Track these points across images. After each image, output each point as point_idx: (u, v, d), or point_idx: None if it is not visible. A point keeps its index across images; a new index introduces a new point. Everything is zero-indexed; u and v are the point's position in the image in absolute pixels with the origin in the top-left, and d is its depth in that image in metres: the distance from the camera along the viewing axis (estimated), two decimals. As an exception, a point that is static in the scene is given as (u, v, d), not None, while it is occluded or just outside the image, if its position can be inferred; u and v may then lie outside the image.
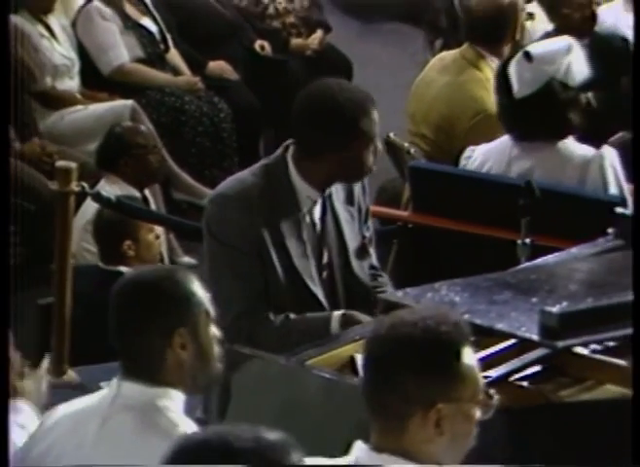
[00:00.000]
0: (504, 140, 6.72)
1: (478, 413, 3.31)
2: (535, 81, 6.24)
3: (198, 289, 3.89)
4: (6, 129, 4.86)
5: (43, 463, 3.87)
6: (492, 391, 3.44)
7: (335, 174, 4.98)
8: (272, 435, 2.66)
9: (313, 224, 5.06)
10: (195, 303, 3.86)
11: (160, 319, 3.78)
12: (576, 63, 6.28)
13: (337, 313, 4.88)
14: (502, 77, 6.69)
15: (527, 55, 6.24)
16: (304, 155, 4.95)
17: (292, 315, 4.93)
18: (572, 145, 6.52)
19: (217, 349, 3.94)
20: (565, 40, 6.54)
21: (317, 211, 5.05)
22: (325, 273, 5.08)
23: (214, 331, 3.92)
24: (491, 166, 6.60)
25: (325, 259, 5.09)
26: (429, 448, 3.22)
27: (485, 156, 6.69)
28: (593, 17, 8.33)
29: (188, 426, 3.71)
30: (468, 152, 6.74)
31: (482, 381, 3.39)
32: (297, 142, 5.01)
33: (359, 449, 3.28)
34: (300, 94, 5.16)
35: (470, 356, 3.33)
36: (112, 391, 3.83)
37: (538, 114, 6.42)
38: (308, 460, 3.12)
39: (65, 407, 3.96)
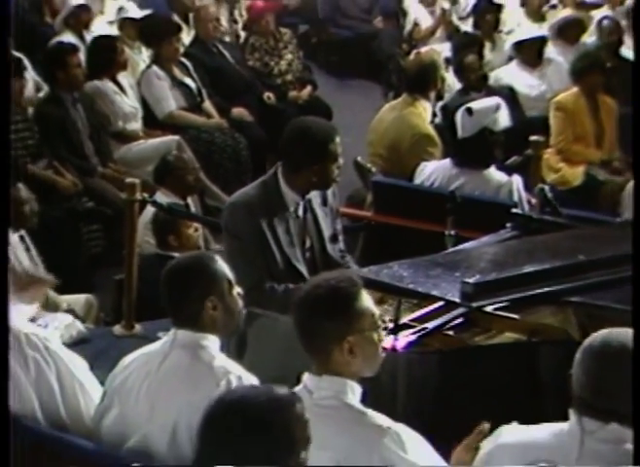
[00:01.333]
0: (447, 162, 6.71)
1: (378, 337, 3.44)
2: (473, 128, 6.27)
3: (222, 266, 3.87)
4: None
5: (122, 389, 3.81)
6: (386, 318, 3.78)
7: (310, 183, 4.95)
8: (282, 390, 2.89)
9: (298, 219, 5.01)
10: (220, 276, 3.84)
11: (196, 290, 3.77)
12: (501, 116, 6.25)
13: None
14: (448, 119, 6.65)
15: (469, 110, 6.26)
16: (289, 170, 4.97)
17: (291, 285, 4.84)
18: (493, 172, 6.54)
19: (239, 306, 3.93)
20: (495, 100, 6.51)
21: (300, 210, 5.03)
22: (308, 254, 5.07)
23: (236, 293, 3.89)
24: (436, 179, 6.56)
25: (307, 244, 5.07)
26: (350, 367, 3.36)
27: (433, 171, 6.67)
28: (485, 78, 8.27)
29: (221, 359, 3.77)
30: (421, 167, 6.73)
31: (378, 314, 3.50)
32: (283, 161, 5.00)
33: (306, 376, 3.43)
34: (286, 127, 5.17)
35: (363, 299, 3.44)
36: (170, 337, 3.84)
37: (472, 150, 6.40)
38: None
39: (137, 351, 3.93)
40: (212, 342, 3.81)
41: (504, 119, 6.44)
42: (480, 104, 6.49)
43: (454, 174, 6.48)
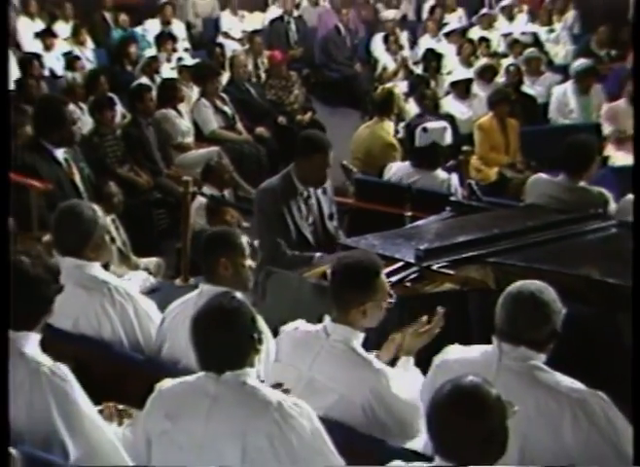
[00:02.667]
0: (406, 164, 6.54)
1: (385, 304, 3.35)
2: (426, 141, 6.20)
3: (237, 240, 3.67)
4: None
5: (170, 327, 3.70)
6: (392, 292, 3.44)
7: (307, 177, 4.87)
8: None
9: (305, 203, 4.90)
10: (233, 246, 3.65)
11: (214, 252, 3.61)
12: (447, 135, 6.21)
13: (317, 254, 4.76)
14: (409, 134, 6.52)
15: (425, 129, 6.19)
16: (299, 168, 4.85)
17: (297, 252, 4.77)
18: (438, 172, 6.38)
19: (246, 272, 3.70)
20: (443, 123, 6.50)
21: (307, 196, 4.91)
22: (312, 228, 4.93)
23: (247, 263, 3.68)
24: (399, 177, 6.41)
25: (311, 220, 4.93)
26: (359, 323, 3.31)
27: (396, 171, 6.54)
28: (437, 106, 8.27)
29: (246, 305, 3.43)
30: (388, 167, 6.56)
31: (388, 288, 3.41)
32: (296, 161, 4.89)
33: (327, 321, 3.34)
34: (298, 138, 5.08)
35: (381, 276, 3.38)
36: (199, 289, 3.67)
37: (425, 156, 6.29)
38: (300, 323, 3.47)
39: (179, 299, 3.81)
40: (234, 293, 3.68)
41: (449, 137, 6.36)
42: (432, 125, 6.40)
43: (411, 173, 6.37)
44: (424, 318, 3.46)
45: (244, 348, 2.81)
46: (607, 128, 7.60)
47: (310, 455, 2.70)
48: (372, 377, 3.19)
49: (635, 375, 2.38)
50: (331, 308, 3.34)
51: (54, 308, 3.11)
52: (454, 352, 3.15)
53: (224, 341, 2.77)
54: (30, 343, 2.97)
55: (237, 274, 3.64)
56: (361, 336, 3.32)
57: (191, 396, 2.79)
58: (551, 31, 11.14)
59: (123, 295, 3.77)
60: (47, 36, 9.56)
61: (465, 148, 7.38)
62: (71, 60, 8.97)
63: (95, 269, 3.81)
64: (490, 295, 3.12)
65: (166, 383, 2.92)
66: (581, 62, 8.67)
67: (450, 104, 8.72)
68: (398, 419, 3.21)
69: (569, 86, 8.37)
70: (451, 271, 4.26)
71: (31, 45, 9.56)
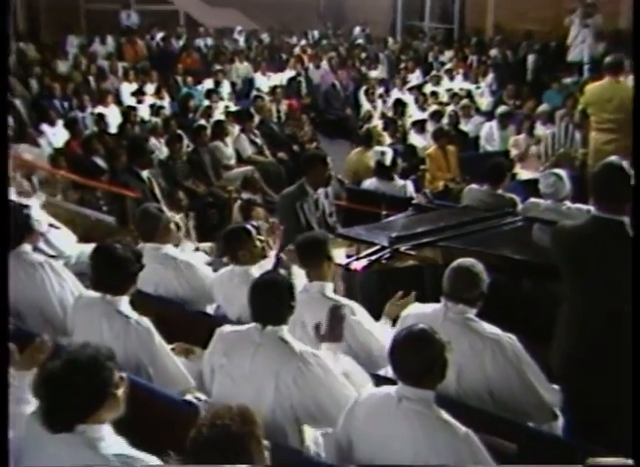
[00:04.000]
0: (374, 179, 6.44)
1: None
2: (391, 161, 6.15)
3: (249, 232, 3.51)
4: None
5: (220, 288, 3.57)
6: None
7: (314, 182, 4.72)
8: None
9: (314, 203, 4.74)
10: (245, 240, 3.50)
11: (238, 240, 3.49)
12: (387, 157, 6.26)
13: None
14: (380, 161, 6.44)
15: (381, 153, 6.13)
16: (309, 178, 4.71)
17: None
18: (399, 180, 6.34)
19: (259, 251, 3.53)
20: (386, 149, 6.49)
21: (315, 198, 4.74)
22: (317, 221, 4.75)
23: (258, 243, 3.53)
24: (374, 186, 6.32)
25: (317, 215, 4.77)
26: (326, 276, 3.22)
27: (369, 183, 6.43)
28: (405, 139, 8.22)
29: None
30: (367, 181, 6.47)
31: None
32: (307, 173, 4.76)
33: (305, 283, 3.23)
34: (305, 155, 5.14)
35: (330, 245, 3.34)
36: (230, 267, 3.55)
37: (384, 172, 6.22)
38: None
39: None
40: (257, 268, 3.47)
41: (388, 159, 6.27)
42: (377, 149, 6.50)
43: (378, 184, 6.33)
44: (400, 293, 3.33)
45: (283, 311, 2.74)
46: (513, 153, 7.54)
47: (323, 390, 2.64)
48: (349, 315, 3.04)
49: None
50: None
51: (140, 278, 3.10)
52: (415, 308, 3.12)
53: (269, 304, 2.72)
54: (123, 304, 2.98)
55: (252, 256, 3.51)
56: (331, 286, 3.21)
57: (242, 341, 2.73)
58: (478, 87, 11.03)
59: (187, 266, 3.73)
60: (139, 94, 9.60)
61: (422, 167, 7.39)
62: (155, 110, 8.96)
63: (167, 248, 3.75)
64: (439, 268, 3.09)
65: (225, 328, 2.86)
66: (502, 108, 8.66)
67: (412, 137, 8.65)
68: (368, 352, 3.11)
69: (494, 124, 8.29)
70: (413, 252, 4.25)
71: (128, 100, 9.61)
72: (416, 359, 2.30)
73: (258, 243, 3.54)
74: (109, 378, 2.06)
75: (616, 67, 5.60)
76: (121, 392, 2.10)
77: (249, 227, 3.57)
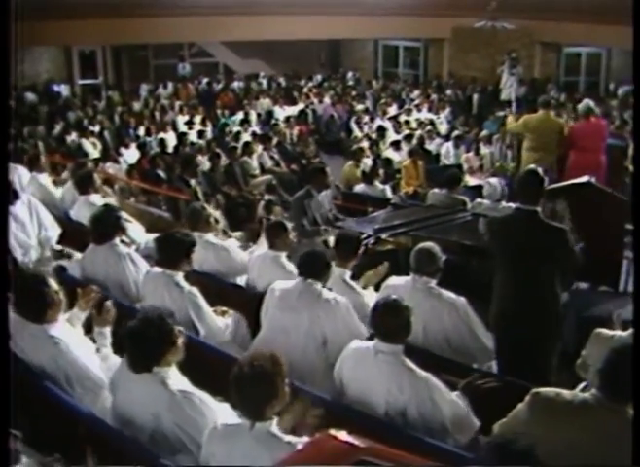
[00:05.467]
0: (363, 185, 6.37)
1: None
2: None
3: (286, 225, 3.42)
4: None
5: (250, 265, 3.44)
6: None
7: (317, 187, 4.57)
8: None
9: (318, 202, 4.58)
10: (281, 228, 3.38)
11: (276, 230, 3.36)
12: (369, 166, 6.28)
13: (322, 227, 4.51)
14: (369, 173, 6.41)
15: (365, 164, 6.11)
16: (314, 183, 4.56)
17: (312, 228, 4.49)
18: (380, 185, 6.28)
19: (288, 243, 3.36)
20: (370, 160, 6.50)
21: (318, 198, 4.57)
22: (320, 216, 4.56)
23: (290, 236, 3.40)
24: (363, 190, 6.24)
25: (320, 211, 4.59)
26: (348, 266, 3.11)
27: (359, 188, 6.37)
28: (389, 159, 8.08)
29: (290, 266, 3.22)
30: (357, 186, 6.39)
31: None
32: (312, 179, 4.61)
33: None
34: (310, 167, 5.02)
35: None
36: (265, 251, 3.37)
37: (368, 177, 6.20)
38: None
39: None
40: (282, 257, 3.35)
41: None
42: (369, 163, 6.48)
43: (366, 189, 6.27)
44: (380, 267, 3.26)
45: (323, 276, 2.76)
46: (464, 166, 7.59)
47: (346, 326, 2.68)
48: (348, 291, 3.01)
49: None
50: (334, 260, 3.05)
51: (192, 259, 3.04)
52: (392, 281, 3.05)
53: (313, 269, 2.73)
54: (179, 277, 2.97)
55: (285, 244, 3.41)
56: (349, 272, 3.15)
57: (289, 296, 2.74)
58: (438, 118, 11.05)
59: (222, 249, 3.66)
60: (189, 124, 9.70)
61: (397, 176, 7.37)
62: (201, 135, 9.00)
63: (208, 236, 3.67)
64: (410, 251, 3.10)
65: (278, 284, 2.82)
66: (456, 133, 8.79)
67: (390, 153, 8.57)
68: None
69: (450, 144, 8.38)
70: (391, 239, 4.21)
71: (182, 128, 9.64)
72: (392, 322, 2.30)
73: (291, 236, 3.46)
74: (172, 331, 2.07)
75: (547, 104, 5.78)
76: (180, 342, 2.10)
77: (286, 223, 3.48)
